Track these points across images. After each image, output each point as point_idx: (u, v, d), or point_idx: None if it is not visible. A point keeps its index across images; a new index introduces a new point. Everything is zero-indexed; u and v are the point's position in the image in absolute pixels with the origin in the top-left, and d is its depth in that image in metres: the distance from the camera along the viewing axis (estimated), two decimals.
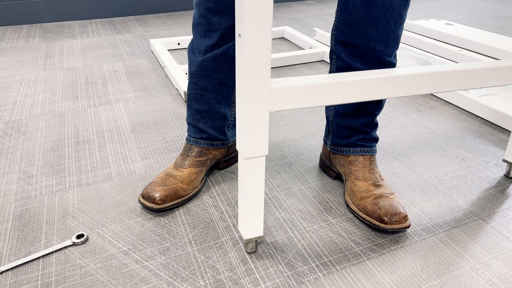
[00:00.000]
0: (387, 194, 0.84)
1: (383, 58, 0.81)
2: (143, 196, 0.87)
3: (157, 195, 0.86)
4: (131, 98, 1.44)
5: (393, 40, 0.79)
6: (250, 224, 0.72)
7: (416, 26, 2.16)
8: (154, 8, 2.67)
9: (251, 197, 0.69)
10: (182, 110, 1.35)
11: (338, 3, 0.82)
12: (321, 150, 1.10)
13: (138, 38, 2.15)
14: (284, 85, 0.62)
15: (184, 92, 1.40)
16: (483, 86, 0.78)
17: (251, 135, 0.63)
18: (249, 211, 0.70)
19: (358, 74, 0.68)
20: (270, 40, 0.57)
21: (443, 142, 1.16)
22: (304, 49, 1.96)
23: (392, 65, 0.83)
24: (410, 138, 1.18)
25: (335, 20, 0.84)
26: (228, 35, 0.83)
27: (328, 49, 1.80)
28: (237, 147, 0.67)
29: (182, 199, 0.89)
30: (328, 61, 1.77)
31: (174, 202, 0.87)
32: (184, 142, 1.16)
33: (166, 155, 1.10)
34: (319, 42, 1.93)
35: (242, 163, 0.66)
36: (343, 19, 0.81)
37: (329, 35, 1.95)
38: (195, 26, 0.86)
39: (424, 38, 1.93)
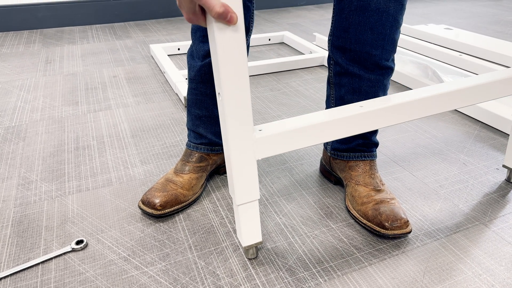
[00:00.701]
0: (388, 199, 0.84)
1: (380, 62, 0.81)
2: (143, 202, 0.87)
3: (157, 201, 0.86)
4: (131, 103, 1.44)
5: (390, 45, 0.80)
6: (248, 232, 0.72)
7: (415, 31, 2.17)
8: (154, 13, 2.68)
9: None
10: (182, 115, 1.35)
11: (334, 9, 0.82)
12: (321, 155, 1.10)
13: (138, 44, 2.16)
14: (268, 134, 0.64)
15: (184, 97, 1.40)
16: (496, 97, 0.78)
17: (241, 183, 0.65)
18: (245, 222, 0.71)
19: (342, 110, 0.69)
20: (249, 96, 0.59)
21: (444, 146, 1.16)
22: (304, 54, 1.96)
23: (389, 69, 0.83)
24: (411, 143, 1.18)
25: (331, 26, 0.85)
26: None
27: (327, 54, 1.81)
28: (230, 194, 0.69)
29: (182, 204, 0.88)
30: None
31: (174, 208, 0.87)
32: (184, 147, 1.16)
33: (166, 160, 1.09)
34: (318, 47, 1.94)
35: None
36: (338, 24, 0.81)
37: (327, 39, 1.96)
38: (193, 32, 0.86)
39: (424, 43, 1.93)
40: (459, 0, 3.37)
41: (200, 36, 0.85)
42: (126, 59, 1.91)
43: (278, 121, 0.67)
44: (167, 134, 1.23)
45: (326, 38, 1.99)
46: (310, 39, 2.23)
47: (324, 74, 1.71)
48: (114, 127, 1.27)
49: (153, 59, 1.91)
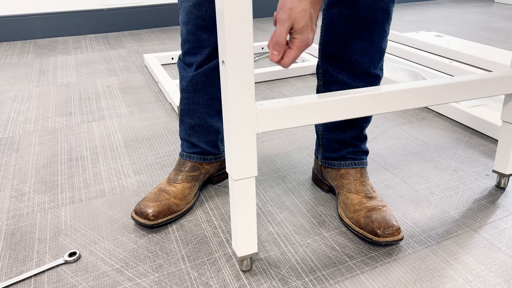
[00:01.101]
0: (380, 207, 0.85)
1: (369, 70, 0.82)
2: (136, 212, 0.87)
3: (150, 211, 0.86)
4: (125, 113, 1.45)
5: (377, 53, 0.81)
6: (244, 242, 0.72)
7: (406, 38, 2.19)
8: (148, 23, 2.69)
9: (243, 216, 0.69)
10: (175, 125, 1.36)
11: (323, 18, 0.84)
12: (313, 164, 1.11)
13: (132, 53, 2.17)
14: (269, 107, 0.63)
15: (178, 106, 1.41)
16: (470, 98, 0.79)
17: (239, 157, 0.64)
18: (242, 229, 0.71)
19: (343, 92, 0.70)
20: (253, 65, 0.59)
21: (435, 153, 1.17)
22: (296, 62, 1.98)
23: (377, 77, 0.84)
24: (402, 150, 1.19)
25: (321, 35, 0.86)
26: (217, 50, 0.85)
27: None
28: (227, 169, 0.68)
29: (175, 214, 0.89)
30: None
31: (167, 218, 0.87)
32: (177, 157, 1.16)
33: (160, 170, 1.10)
34: (311, 55, 1.96)
35: (232, 184, 0.67)
36: (328, 33, 0.83)
37: None
38: (183, 43, 0.87)
39: (415, 50, 1.96)
40: (450, 7, 3.42)
41: (191, 48, 0.86)
42: (120, 69, 1.92)
43: (280, 99, 0.67)
44: (161, 144, 1.23)
45: (317, 46, 2.01)
46: None
47: (316, 82, 1.73)
48: (107, 138, 1.27)
49: (147, 68, 1.92)
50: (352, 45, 0.80)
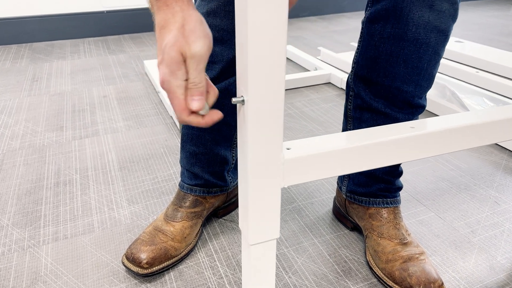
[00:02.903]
0: (417, 255, 0.71)
1: (412, 101, 0.68)
2: (128, 258, 0.74)
3: (143, 256, 0.72)
4: (121, 128, 1.31)
5: (426, 80, 0.67)
6: None
7: None
8: (150, 26, 2.56)
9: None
10: (176, 142, 1.22)
11: (362, 32, 0.70)
12: (334, 193, 0.97)
13: (132, 59, 2.04)
14: (300, 154, 0.48)
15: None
16: None
17: (258, 217, 0.50)
18: (257, 274, 0.56)
19: (392, 129, 0.55)
20: (283, 102, 0.45)
21: (471, 180, 1.03)
22: (309, 70, 1.84)
23: (421, 107, 0.70)
24: (433, 176, 1.05)
25: (356, 52, 0.71)
26: (231, 67, 0.71)
27: (334, 71, 1.69)
28: (241, 229, 0.54)
29: (174, 260, 0.75)
30: (336, 84, 1.65)
31: (163, 265, 0.74)
32: (177, 182, 1.03)
33: (157, 199, 0.96)
34: (324, 63, 1.82)
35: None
36: (366, 51, 0.68)
37: (335, 54, 1.84)
38: None
39: None
40: (466, 11, 3.26)
41: None
42: (119, 76, 1.78)
43: (312, 138, 0.52)
44: (159, 166, 1.10)
45: (332, 53, 1.87)
46: (314, 54, 2.11)
47: (331, 93, 1.59)
48: (100, 158, 1.14)
49: (147, 76, 1.79)
50: (394, 70, 0.66)
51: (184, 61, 0.45)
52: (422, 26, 0.61)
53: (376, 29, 0.65)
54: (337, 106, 1.47)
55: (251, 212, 0.49)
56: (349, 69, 1.73)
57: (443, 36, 0.62)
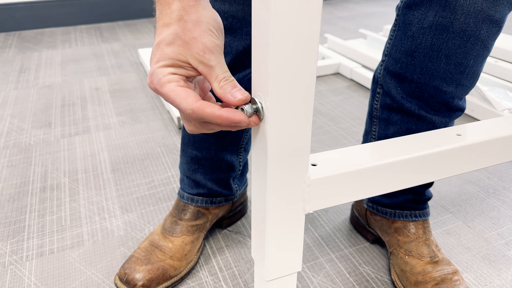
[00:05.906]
0: (450, 275, 0.62)
1: (451, 102, 0.58)
2: (121, 278, 0.65)
3: (139, 277, 0.63)
4: (114, 124, 1.21)
5: (469, 79, 0.56)
6: None
7: None
8: (146, 12, 2.44)
9: None
10: (174, 140, 1.12)
11: (396, 19, 0.59)
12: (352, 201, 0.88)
13: (127, 48, 1.92)
14: (328, 173, 0.38)
15: (178, 117, 1.17)
16: None
17: (277, 249, 0.40)
18: None
19: (431, 137, 0.45)
20: (312, 107, 0.35)
21: (498, 183, 0.94)
22: None
23: (460, 111, 0.59)
24: (457, 178, 0.95)
25: (388, 43, 0.61)
26: (241, 61, 0.61)
27: (344, 60, 1.58)
28: (254, 259, 0.44)
29: (173, 281, 0.66)
30: (345, 75, 1.54)
31: (161, 286, 0.65)
32: (176, 186, 0.93)
33: (153, 206, 0.87)
34: (331, 51, 1.71)
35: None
36: (400, 43, 0.57)
37: (344, 42, 1.73)
38: None
39: None
40: None
41: None
42: (112, 67, 1.67)
43: (341, 150, 0.42)
44: (156, 168, 1.00)
45: (339, 40, 1.76)
46: (320, 41, 1.99)
47: (340, 84, 1.48)
48: (91, 158, 1.04)
49: (143, 66, 1.68)
50: (434, 66, 0.55)
51: (188, 63, 0.36)
52: (472, 15, 0.50)
53: (415, 16, 0.54)
54: (348, 99, 1.36)
55: (269, 244, 0.40)
56: (359, 59, 1.62)
57: (496, 27, 0.52)
